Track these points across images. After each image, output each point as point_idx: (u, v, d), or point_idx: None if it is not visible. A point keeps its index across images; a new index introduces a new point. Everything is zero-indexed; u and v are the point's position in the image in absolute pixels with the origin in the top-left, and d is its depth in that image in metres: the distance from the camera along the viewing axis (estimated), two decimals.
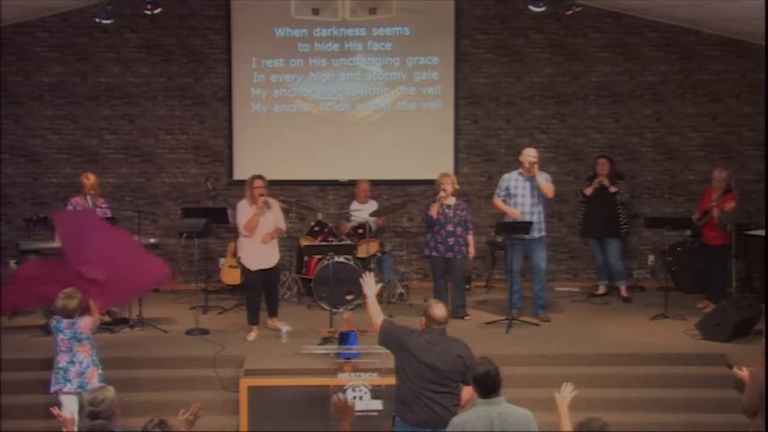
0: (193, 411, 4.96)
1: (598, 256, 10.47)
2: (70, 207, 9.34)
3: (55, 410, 5.65)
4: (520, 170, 9.25)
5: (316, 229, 10.32)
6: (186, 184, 11.27)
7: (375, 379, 7.33)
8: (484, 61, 11.24)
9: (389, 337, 5.84)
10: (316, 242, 10.01)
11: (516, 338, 8.57)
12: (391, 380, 6.01)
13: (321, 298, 9.60)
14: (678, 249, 10.64)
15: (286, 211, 10.63)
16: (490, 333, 8.76)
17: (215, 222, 10.09)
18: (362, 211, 10.31)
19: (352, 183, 10.97)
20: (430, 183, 9.86)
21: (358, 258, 9.77)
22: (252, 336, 8.55)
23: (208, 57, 11.18)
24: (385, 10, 11.09)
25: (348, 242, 9.71)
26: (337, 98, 11.24)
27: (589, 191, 10.33)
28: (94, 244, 7.79)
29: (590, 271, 11.20)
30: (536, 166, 9.09)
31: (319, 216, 10.58)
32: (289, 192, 10.95)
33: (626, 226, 10.44)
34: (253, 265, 8.63)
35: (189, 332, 8.65)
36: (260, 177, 8.63)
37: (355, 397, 7.31)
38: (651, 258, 11.32)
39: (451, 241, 9.18)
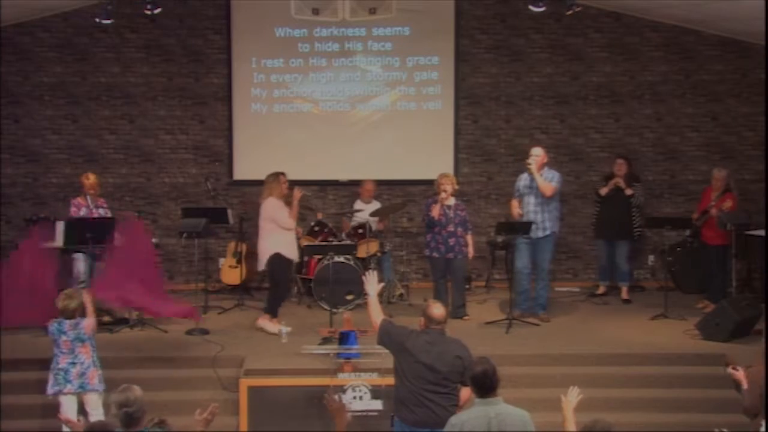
0: (211, 410, 4.95)
1: (603, 257, 10.41)
2: (73, 208, 9.34)
3: (63, 416, 5.66)
4: None
5: (316, 229, 10.32)
6: (186, 184, 11.27)
7: (375, 379, 7.33)
8: (484, 61, 11.24)
9: (388, 337, 5.84)
10: (316, 242, 10.01)
11: (516, 338, 8.57)
12: (391, 380, 6.01)
13: (321, 298, 9.60)
14: (678, 249, 10.63)
15: None
16: (490, 333, 8.77)
17: (215, 222, 10.09)
18: (364, 212, 10.32)
19: (353, 183, 10.97)
20: (430, 183, 9.86)
21: (358, 258, 9.77)
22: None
23: (208, 57, 11.18)
24: (385, 10, 11.09)
25: (348, 242, 9.71)
26: (337, 98, 11.24)
27: (604, 192, 10.23)
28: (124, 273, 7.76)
29: (590, 271, 11.20)
30: (535, 165, 9.09)
31: (319, 216, 10.57)
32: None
33: (639, 229, 10.39)
34: (295, 256, 9.00)
35: (189, 332, 8.65)
36: (283, 173, 9.00)
37: (355, 397, 7.31)
38: (651, 258, 11.31)
39: (451, 241, 9.18)
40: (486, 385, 4.97)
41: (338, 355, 7.51)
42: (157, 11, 9.65)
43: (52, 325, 6.77)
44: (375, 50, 11.19)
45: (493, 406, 4.95)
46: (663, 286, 9.84)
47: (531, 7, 9.53)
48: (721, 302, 8.70)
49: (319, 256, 9.86)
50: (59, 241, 8.72)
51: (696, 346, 8.32)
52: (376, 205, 10.53)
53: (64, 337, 6.68)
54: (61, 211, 10.29)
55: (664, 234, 10.12)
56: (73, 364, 6.70)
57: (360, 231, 10.11)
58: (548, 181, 9.13)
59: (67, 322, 6.68)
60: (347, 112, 11.27)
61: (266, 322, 8.76)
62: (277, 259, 8.74)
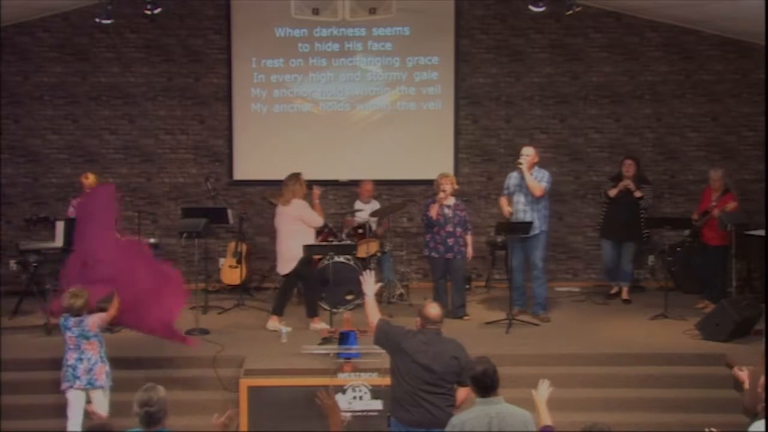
0: (229, 415, 4.93)
1: (609, 258, 10.35)
2: (71, 208, 9.33)
3: (89, 408, 5.97)
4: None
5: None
6: (186, 184, 11.27)
7: (375, 379, 7.33)
8: (484, 61, 11.24)
9: (385, 337, 5.84)
10: (316, 242, 9.99)
11: (516, 338, 8.57)
12: None
13: (321, 298, 9.59)
14: (678, 249, 10.63)
15: None
16: (490, 333, 8.77)
17: (215, 222, 10.08)
18: (364, 212, 10.32)
19: (353, 183, 10.97)
20: (430, 183, 9.86)
21: (358, 258, 9.77)
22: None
23: (208, 57, 11.18)
24: (385, 10, 11.09)
25: (348, 242, 9.71)
26: (337, 98, 11.25)
27: (613, 193, 10.16)
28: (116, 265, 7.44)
29: (590, 271, 11.20)
30: (525, 164, 9.11)
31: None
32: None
33: (647, 231, 10.37)
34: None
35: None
36: (301, 174, 9.02)
37: (355, 397, 7.31)
38: (651, 258, 11.31)
39: (450, 241, 9.18)
40: (487, 385, 4.97)
41: (338, 355, 7.51)
42: (157, 11, 9.66)
43: (60, 320, 6.82)
44: (375, 50, 11.19)
45: (494, 405, 4.95)
46: (663, 286, 9.84)
47: (531, 7, 9.53)
48: (721, 302, 8.69)
49: (319, 256, 9.85)
50: (59, 241, 8.72)
51: (696, 346, 8.31)
52: (375, 205, 10.53)
53: (69, 333, 6.75)
54: (61, 211, 10.30)
55: (664, 234, 10.12)
56: (80, 360, 6.75)
57: (360, 231, 10.11)
58: (538, 180, 9.14)
59: (72, 318, 6.72)
60: (347, 112, 11.27)
61: (315, 325, 8.82)
62: (307, 259, 8.86)
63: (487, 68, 11.25)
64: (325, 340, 8.03)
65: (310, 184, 9.23)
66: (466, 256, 9.32)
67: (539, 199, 9.15)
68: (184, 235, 9.78)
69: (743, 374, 5.52)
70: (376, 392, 7.33)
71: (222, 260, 10.88)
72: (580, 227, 11.35)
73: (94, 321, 6.77)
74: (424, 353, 5.61)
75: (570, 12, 9.73)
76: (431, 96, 11.23)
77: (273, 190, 11.04)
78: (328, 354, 7.59)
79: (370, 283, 6.16)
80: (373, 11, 11.10)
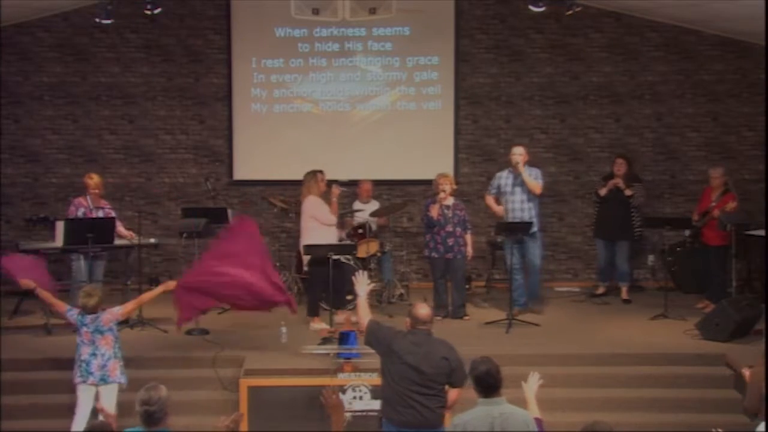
0: (235, 419, 4.89)
1: (602, 257, 10.39)
2: (71, 207, 9.32)
3: (98, 405, 6.03)
4: (510, 168, 9.33)
5: None
6: (186, 184, 11.27)
7: (375, 379, 7.31)
8: (484, 61, 11.24)
9: (374, 338, 5.83)
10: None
11: (516, 338, 8.56)
12: None
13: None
14: (678, 249, 10.63)
15: (286, 211, 10.68)
16: (490, 333, 8.76)
17: (215, 222, 10.07)
18: (364, 212, 10.32)
19: (353, 183, 10.97)
20: (430, 183, 9.85)
21: (358, 258, 9.76)
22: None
23: (208, 57, 11.18)
24: (385, 10, 11.10)
25: (348, 242, 9.71)
26: (337, 98, 11.25)
27: (603, 192, 10.20)
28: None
29: (590, 271, 11.20)
30: (521, 163, 9.13)
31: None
32: (289, 192, 10.94)
33: (639, 229, 10.37)
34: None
35: (189, 332, 8.64)
36: (321, 171, 9.09)
37: (355, 397, 7.31)
38: (651, 258, 11.31)
39: (450, 241, 9.18)
40: (489, 385, 4.96)
41: (338, 355, 7.51)
42: (157, 11, 9.66)
43: (76, 315, 6.84)
44: (375, 50, 11.19)
45: (497, 406, 4.93)
46: (663, 286, 9.83)
47: (531, 7, 9.54)
48: (721, 302, 8.69)
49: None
50: (59, 241, 8.72)
51: (696, 346, 8.31)
52: (375, 205, 10.52)
53: (84, 329, 6.76)
54: (61, 211, 10.30)
55: (664, 234, 10.12)
56: (94, 355, 6.77)
57: (360, 231, 10.11)
58: (534, 178, 9.19)
59: (89, 315, 6.75)
60: (347, 112, 11.27)
61: (315, 325, 8.82)
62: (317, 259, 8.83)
63: (487, 68, 11.25)
64: (325, 340, 8.03)
65: (331, 182, 9.23)
66: (466, 256, 9.32)
67: (529, 198, 9.21)
68: (184, 235, 9.78)
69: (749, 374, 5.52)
70: (376, 392, 7.31)
71: None
72: (580, 227, 11.35)
73: (108, 317, 6.80)
74: (414, 354, 5.60)
75: (570, 12, 9.73)
76: (431, 96, 11.23)
77: (273, 191, 11.07)
78: (328, 354, 7.59)
79: (362, 284, 6.16)
80: (373, 11, 11.11)
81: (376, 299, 9.75)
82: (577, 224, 11.35)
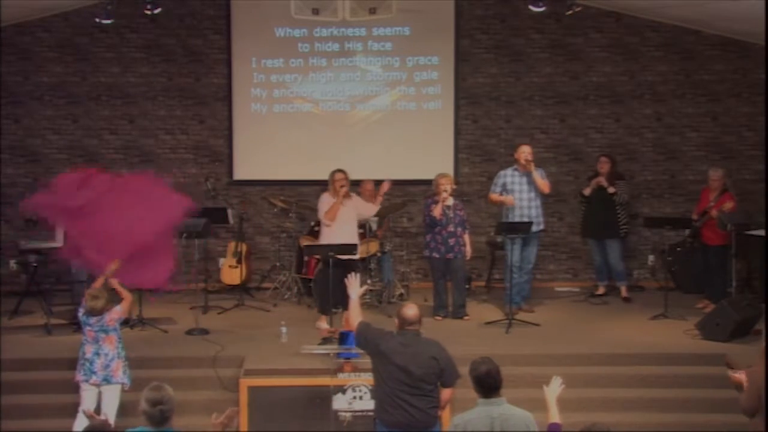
0: (228, 414, 4.86)
1: (597, 257, 10.44)
2: None
3: (87, 411, 5.76)
4: (516, 167, 9.36)
5: (317, 229, 10.29)
6: (186, 184, 11.25)
7: None
8: (484, 61, 11.24)
9: (364, 339, 5.84)
10: (316, 242, 9.99)
11: (516, 338, 8.57)
12: None
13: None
14: (678, 249, 10.62)
15: (286, 211, 10.68)
16: (490, 333, 8.76)
17: (215, 222, 10.09)
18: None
19: (352, 183, 10.94)
20: (430, 183, 9.85)
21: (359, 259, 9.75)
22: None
23: (208, 57, 11.17)
24: (385, 10, 11.09)
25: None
26: (337, 98, 11.24)
27: (587, 191, 10.30)
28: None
29: (590, 271, 11.18)
30: (532, 162, 9.17)
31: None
32: (289, 192, 10.95)
33: (625, 227, 10.41)
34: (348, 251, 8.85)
35: (189, 332, 8.66)
36: (341, 171, 8.97)
37: (355, 397, 7.31)
38: (651, 258, 11.31)
39: (451, 241, 9.18)
40: (489, 385, 4.96)
41: (338, 355, 7.51)
42: (157, 11, 9.67)
43: (81, 315, 6.88)
44: (375, 50, 11.19)
45: (497, 406, 4.94)
46: (663, 286, 9.84)
47: (531, 7, 9.55)
48: (721, 302, 8.69)
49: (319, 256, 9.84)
50: (59, 241, 8.72)
51: (696, 346, 8.32)
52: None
53: (88, 327, 6.78)
54: None
55: (664, 234, 10.12)
56: (98, 354, 6.79)
57: (360, 231, 10.09)
58: (542, 178, 9.27)
59: (93, 316, 6.76)
60: (347, 112, 11.27)
61: (320, 323, 8.79)
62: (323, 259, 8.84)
63: (487, 68, 11.24)
64: (325, 340, 8.03)
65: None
66: (465, 256, 9.32)
67: (536, 196, 9.28)
68: (184, 235, 9.78)
69: (738, 376, 5.52)
70: None
71: (222, 260, 10.87)
72: (580, 227, 11.32)
73: (112, 316, 6.83)
74: (402, 354, 5.60)
75: (570, 12, 9.74)
76: (431, 96, 11.23)
77: (273, 190, 11.07)
78: (328, 354, 7.59)
79: (355, 286, 6.17)
80: (373, 11, 11.10)
81: (377, 299, 9.75)
82: (576, 224, 11.33)
